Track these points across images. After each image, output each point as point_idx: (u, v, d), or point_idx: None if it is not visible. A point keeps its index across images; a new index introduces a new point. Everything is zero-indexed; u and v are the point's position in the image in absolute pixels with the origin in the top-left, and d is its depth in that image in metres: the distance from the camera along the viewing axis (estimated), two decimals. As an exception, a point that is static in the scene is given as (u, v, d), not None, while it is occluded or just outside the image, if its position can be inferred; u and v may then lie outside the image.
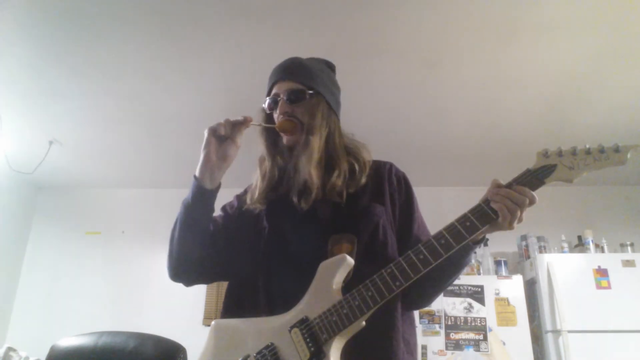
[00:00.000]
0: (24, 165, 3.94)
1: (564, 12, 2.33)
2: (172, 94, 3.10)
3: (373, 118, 3.33)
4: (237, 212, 1.19)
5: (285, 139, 1.15)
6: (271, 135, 1.19)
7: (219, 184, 1.09)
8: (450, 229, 0.92)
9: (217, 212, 1.19)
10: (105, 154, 4.02)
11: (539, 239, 3.89)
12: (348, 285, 0.96)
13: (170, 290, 4.30)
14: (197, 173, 1.05)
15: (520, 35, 2.50)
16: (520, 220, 0.92)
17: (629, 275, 3.41)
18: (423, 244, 0.92)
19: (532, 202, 0.92)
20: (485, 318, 3.43)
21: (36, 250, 4.58)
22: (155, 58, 2.74)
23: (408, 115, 3.34)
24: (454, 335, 3.40)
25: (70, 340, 1.81)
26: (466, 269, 3.70)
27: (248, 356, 0.94)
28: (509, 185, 0.94)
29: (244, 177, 1.28)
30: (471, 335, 3.39)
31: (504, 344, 3.35)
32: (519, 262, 4.05)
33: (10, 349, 3.36)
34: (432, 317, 3.47)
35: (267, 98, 1.20)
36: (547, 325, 3.37)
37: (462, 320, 3.44)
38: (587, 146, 0.93)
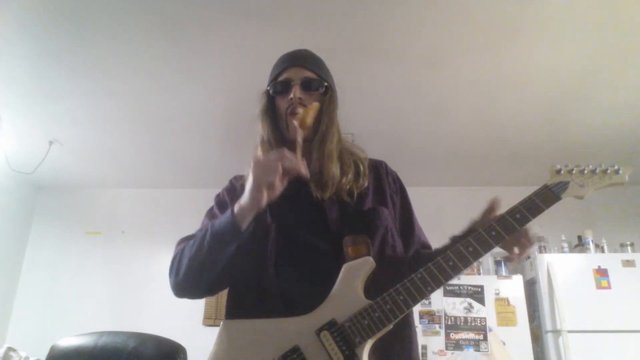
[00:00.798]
0: (24, 165, 3.94)
1: (564, 12, 2.33)
2: (172, 94, 3.10)
3: (373, 118, 3.33)
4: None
5: (299, 133, 1.07)
6: (275, 122, 1.15)
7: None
8: (478, 237, 0.97)
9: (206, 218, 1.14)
10: (105, 154, 4.02)
11: (539, 239, 3.89)
12: (366, 287, 0.96)
13: (170, 291, 4.32)
14: (236, 211, 0.96)
15: (521, 35, 2.50)
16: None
17: (629, 275, 3.41)
18: (451, 251, 0.96)
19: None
20: (485, 318, 3.43)
21: (36, 250, 4.58)
22: (155, 58, 2.74)
23: (408, 115, 3.34)
24: (454, 335, 3.40)
25: (70, 340, 1.81)
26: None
27: None
28: (529, 199, 1.00)
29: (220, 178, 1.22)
30: (471, 335, 3.39)
31: (504, 344, 3.35)
32: (519, 262, 4.05)
33: (10, 349, 3.35)
34: (432, 317, 3.47)
35: (274, 82, 1.15)
36: (547, 325, 3.37)
37: (462, 320, 3.44)
38: (591, 166, 1.05)
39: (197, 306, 4.24)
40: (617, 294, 3.35)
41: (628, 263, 3.46)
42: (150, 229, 4.47)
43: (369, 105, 3.19)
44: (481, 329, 3.40)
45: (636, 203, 4.27)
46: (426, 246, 1.21)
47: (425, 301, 3.50)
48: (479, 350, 3.33)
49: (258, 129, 1.17)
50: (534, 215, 0.98)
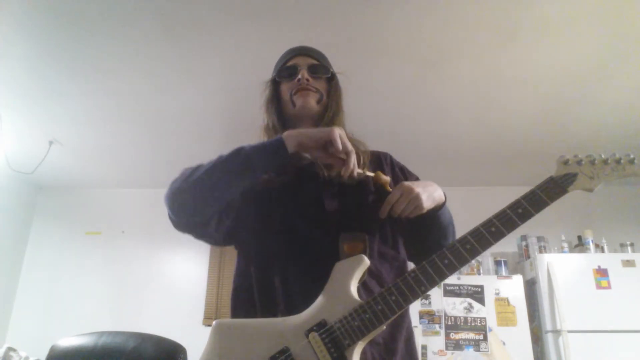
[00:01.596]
0: (24, 165, 3.94)
1: (564, 12, 2.33)
2: (172, 94, 3.10)
3: (373, 118, 3.33)
4: None
5: (306, 105, 1.12)
6: (280, 109, 1.19)
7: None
8: (476, 234, 0.92)
9: None
10: (105, 154, 4.02)
11: (539, 239, 3.89)
12: (362, 285, 0.95)
13: (170, 290, 4.32)
14: (288, 133, 0.98)
15: (521, 35, 2.50)
16: None
17: (629, 275, 3.41)
18: (448, 249, 0.91)
19: None
20: (485, 318, 3.43)
21: (36, 250, 4.58)
22: (155, 58, 2.74)
23: (408, 115, 3.34)
24: (454, 335, 3.40)
25: (70, 340, 1.81)
26: (466, 269, 3.73)
27: None
28: (532, 193, 0.93)
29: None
30: (471, 335, 3.39)
31: (504, 344, 3.35)
32: (519, 262, 4.05)
33: (10, 349, 3.36)
34: (432, 317, 3.47)
35: (281, 68, 1.19)
36: (547, 325, 3.37)
37: (462, 320, 3.44)
38: (604, 156, 0.95)
39: (197, 306, 4.24)
40: (617, 294, 3.35)
41: (628, 263, 3.46)
42: (150, 229, 4.47)
43: (369, 105, 3.19)
44: (481, 329, 3.40)
45: (636, 203, 4.28)
46: None
47: (425, 301, 3.51)
48: (479, 350, 3.34)
49: (263, 117, 1.19)
50: (538, 210, 0.92)
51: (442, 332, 3.42)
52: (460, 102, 3.15)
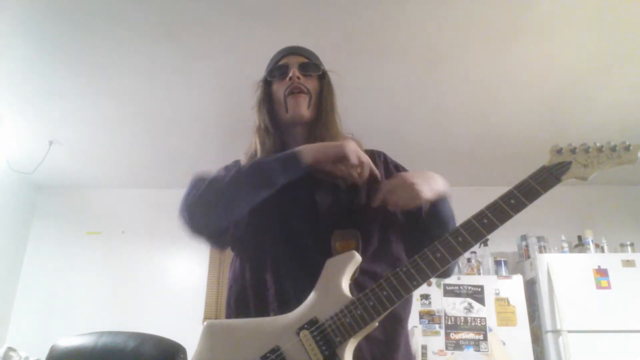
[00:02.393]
0: (24, 165, 3.94)
1: (565, 12, 2.33)
2: (172, 94, 3.10)
3: (373, 118, 3.33)
4: None
5: (297, 113, 1.13)
6: (272, 109, 1.18)
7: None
8: (468, 226, 0.90)
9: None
10: (105, 154, 4.02)
11: (539, 239, 3.89)
12: (355, 283, 0.94)
13: (170, 290, 4.32)
14: (303, 148, 1.01)
15: (522, 35, 2.50)
16: None
17: (629, 275, 3.41)
18: (440, 242, 0.89)
19: None
20: (485, 318, 3.43)
21: (36, 250, 4.57)
22: (155, 58, 2.74)
23: (409, 115, 3.34)
24: (454, 335, 3.40)
25: (70, 340, 1.81)
26: (466, 269, 3.73)
27: None
28: (524, 183, 0.92)
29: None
30: (471, 335, 3.39)
31: (504, 344, 3.35)
32: (519, 262, 4.05)
33: (10, 349, 3.35)
34: (432, 317, 3.47)
35: (272, 68, 1.20)
36: (547, 325, 3.37)
37: (462, 320, 3.44)
38: (598, 144, 0.93)
39: (197, 306, 4.24)
40: (617, 294, 3.35)
41: (628, 263, 3.46)
42: (150, 229, 4.47)
43: (369, 105, 3.19)
44: (481, 329, 3.40)
45: (636, 203, 4.28)
46: None
47: (425, 301, 3.51)
48: (479, 350, 3.33)
49: (255, 118, 1.19)
50: (531, 200, 0.89)
51: (442, 332, 3.42)
52: (460, 101, 3.15)
